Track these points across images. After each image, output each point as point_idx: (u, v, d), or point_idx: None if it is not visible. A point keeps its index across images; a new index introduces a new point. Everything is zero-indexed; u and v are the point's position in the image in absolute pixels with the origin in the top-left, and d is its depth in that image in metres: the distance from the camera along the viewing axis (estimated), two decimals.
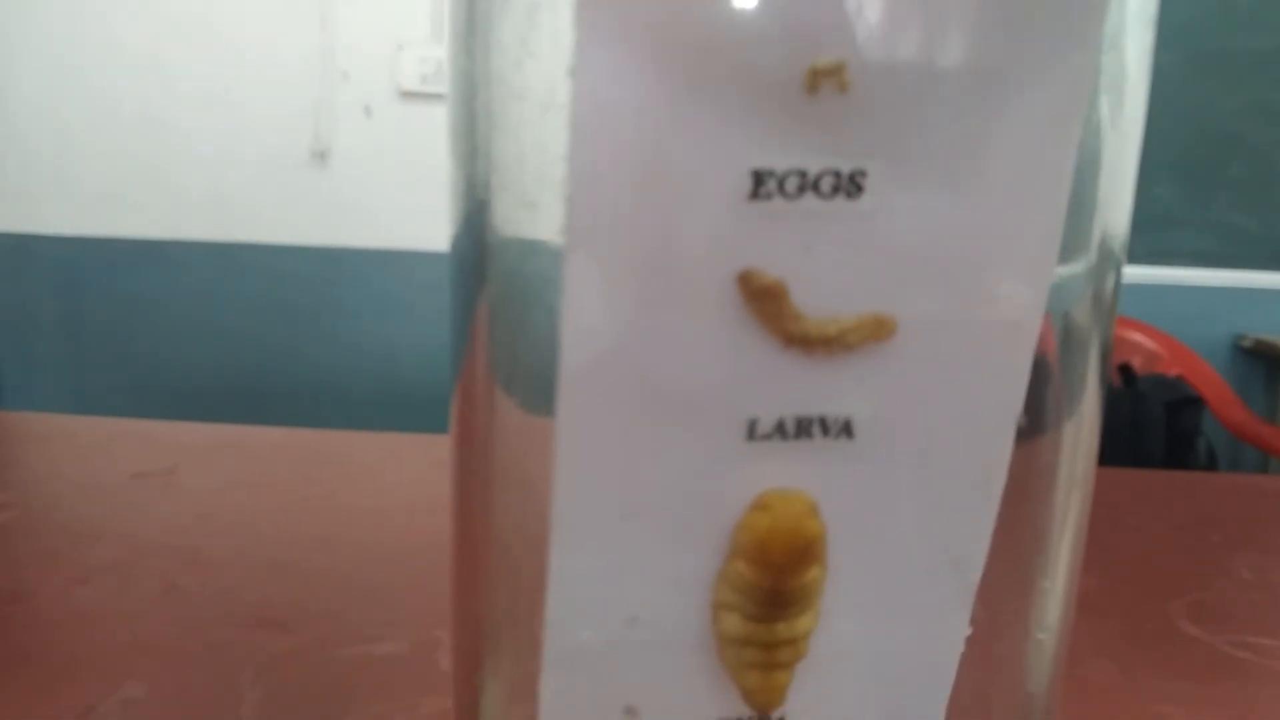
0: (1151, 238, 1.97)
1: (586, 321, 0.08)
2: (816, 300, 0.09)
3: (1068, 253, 0.11)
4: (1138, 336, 1.54)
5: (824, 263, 0.09)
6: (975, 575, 0.10)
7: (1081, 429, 0.12)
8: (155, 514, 0.39)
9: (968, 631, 0.11)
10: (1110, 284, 0.11)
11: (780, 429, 0.09)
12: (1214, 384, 1.49)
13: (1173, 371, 1.48)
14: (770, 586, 0.09)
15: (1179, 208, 1.98)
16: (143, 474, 0.44)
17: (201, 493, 0.42)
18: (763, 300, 0.09)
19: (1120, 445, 1.34)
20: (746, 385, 0.09)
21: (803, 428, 0.09)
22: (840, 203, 0.08)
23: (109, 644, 0.30)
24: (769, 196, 0.08)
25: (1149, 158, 1.95)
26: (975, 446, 0.10)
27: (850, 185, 0.08)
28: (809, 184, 0.08)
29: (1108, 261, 0.11)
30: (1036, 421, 0.11)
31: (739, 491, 0.09)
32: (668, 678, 0.10)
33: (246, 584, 0.34)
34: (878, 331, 0.09)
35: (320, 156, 2.15)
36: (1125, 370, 1.45)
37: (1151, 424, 1.33)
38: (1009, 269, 0.09)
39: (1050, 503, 0.12)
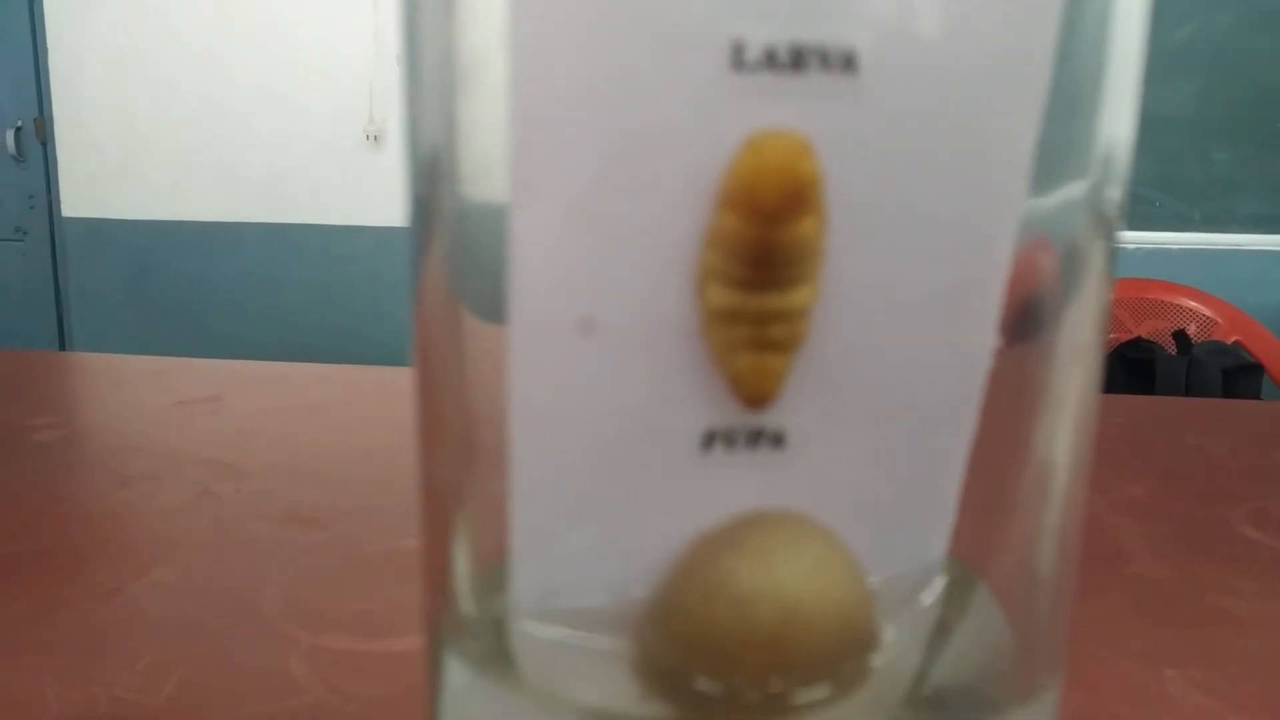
0: (1209, 203, 1.89)
1: None
2: None
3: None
4: (1192, 303, 1.47)
5: None
6: (1000, 268, 0.09)
7: (1087, 303, 0.10)
8: (197, 433, 0.39)
9: (995, 345, 0.10)
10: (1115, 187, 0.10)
11: (771, 58, 0.08)
12: (1273, 350, 1.42)
13: (1230, 338, 1.41)
14: (759, 238, 0.08)
15: (1238, 172, 1.89)
16: (188, 401, 0.44)
17: (243, 415, 0.42)
18: None
19: None
20: None
21: (799, 58, 0.08)
22: None
23: (142, 538, 0.30)
24: None
25: (1206, 121, 1.87)
26: (998, 99, 0.08)
27: None
28: None
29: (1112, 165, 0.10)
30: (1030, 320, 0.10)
31: (724, 131, 0.08)
32: (647, 373, 0.09)
33: (281, 489, 0.33)
34: None
35: (374, 139, 2.18)
36: (1181, 337, 1.39)
37: (1208, 391, 1.27)
38: None
39: (1052, 365, 0.11)
